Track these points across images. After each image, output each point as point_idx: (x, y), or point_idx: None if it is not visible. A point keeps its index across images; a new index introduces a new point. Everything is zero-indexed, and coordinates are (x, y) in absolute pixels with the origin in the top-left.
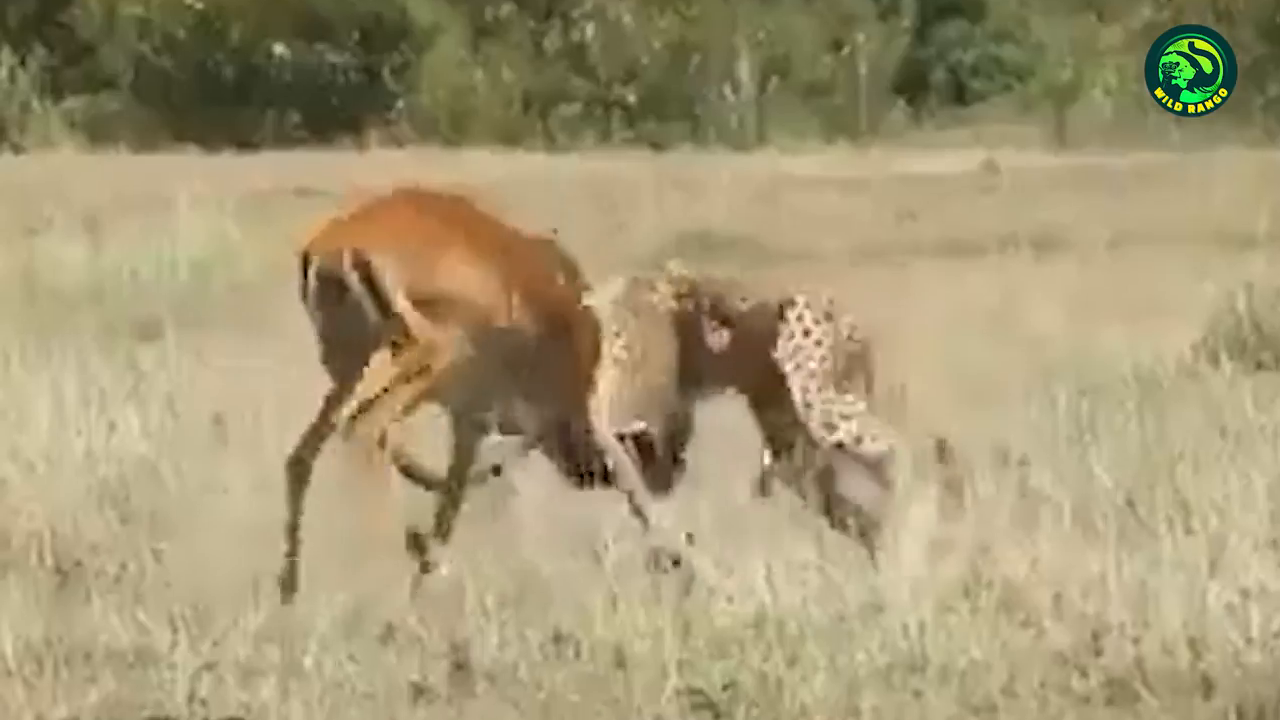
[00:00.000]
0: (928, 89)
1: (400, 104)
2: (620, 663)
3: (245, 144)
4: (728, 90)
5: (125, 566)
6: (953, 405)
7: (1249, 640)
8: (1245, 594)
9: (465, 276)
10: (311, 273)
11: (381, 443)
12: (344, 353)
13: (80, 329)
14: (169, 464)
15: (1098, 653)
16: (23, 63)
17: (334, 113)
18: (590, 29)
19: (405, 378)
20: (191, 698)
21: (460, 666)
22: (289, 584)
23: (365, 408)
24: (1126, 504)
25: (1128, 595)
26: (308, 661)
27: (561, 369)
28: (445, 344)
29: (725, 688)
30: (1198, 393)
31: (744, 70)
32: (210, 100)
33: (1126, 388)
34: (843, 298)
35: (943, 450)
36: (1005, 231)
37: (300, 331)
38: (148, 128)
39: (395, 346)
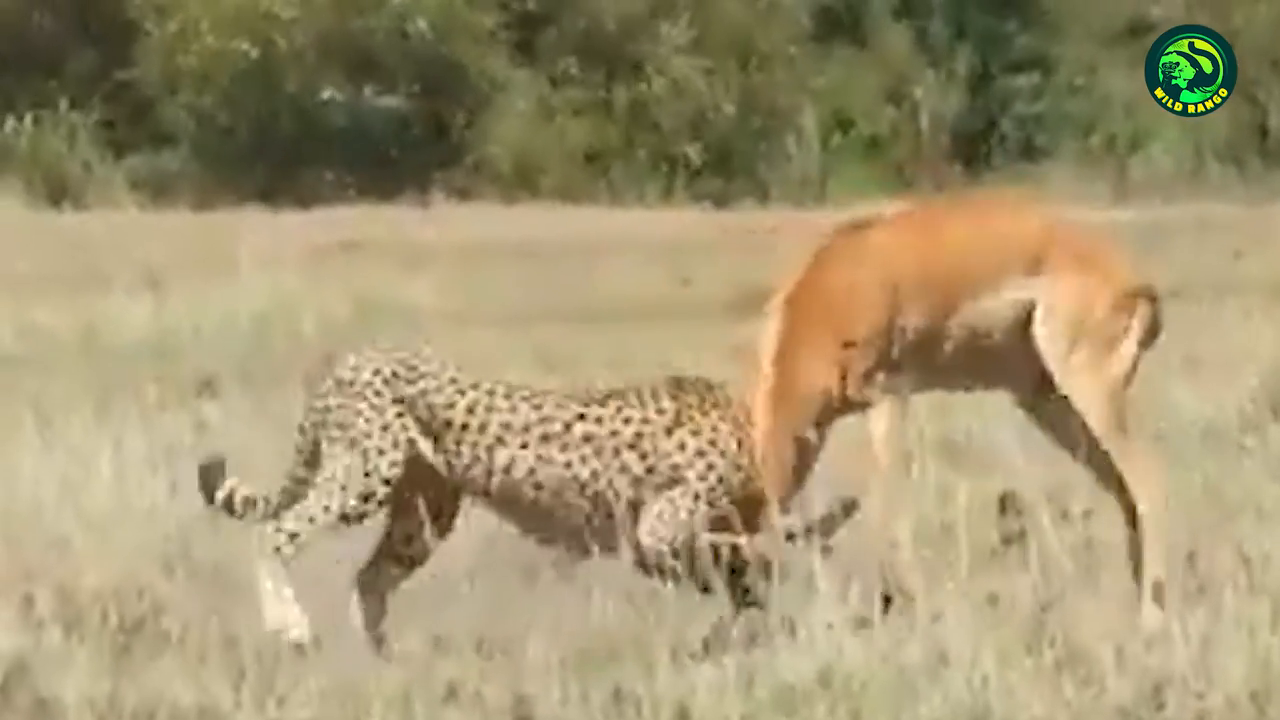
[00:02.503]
0: (990, 143)
1: (462, 160)
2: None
3: (305, 200)
4: (791, 144)
5: (188, 626)
6: (1016, 457)
7: None
8: None
9: None
10: (1143, 319)
11: None
12: None
13: (142, 386)
14: (232, 520)
15: (1160, 708)
16: (83, 116)
17: (394, 168)
18: (657, 85)
19: None
20: None
21: None
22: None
23: None
24: (1188, 558)
25: (1190, 650)
26: None
27: None
28: None
29: None
30: (1258, 445)
31: (809, 123)
32: (270, 157)
33: (1188, 440)
34: None
35: (1006, 503)
36: None
37: None
38: (208, 186)
39: None
